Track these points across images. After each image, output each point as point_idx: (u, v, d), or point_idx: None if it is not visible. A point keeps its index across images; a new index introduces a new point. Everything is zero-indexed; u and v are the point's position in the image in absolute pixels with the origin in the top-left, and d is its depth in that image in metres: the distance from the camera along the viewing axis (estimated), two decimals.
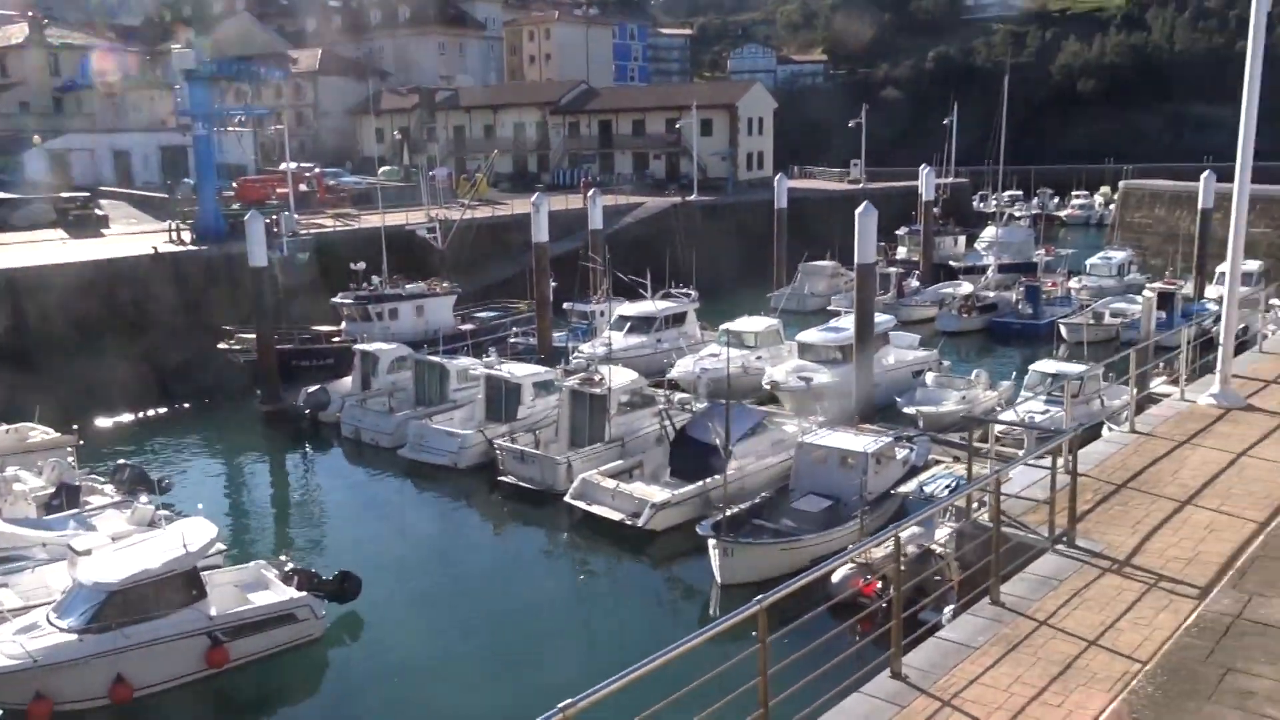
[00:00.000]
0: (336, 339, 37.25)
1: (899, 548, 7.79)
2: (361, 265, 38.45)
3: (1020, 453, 19.12)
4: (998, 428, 25.46)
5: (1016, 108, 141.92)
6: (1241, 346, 19.83)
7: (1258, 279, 44.37)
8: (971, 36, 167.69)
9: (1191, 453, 12.53)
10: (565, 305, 41.11)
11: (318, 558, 21.90)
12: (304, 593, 18.19)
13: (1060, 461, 9.74)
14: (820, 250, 51.41)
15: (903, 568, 8.35)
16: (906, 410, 29.01)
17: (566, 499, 24.11)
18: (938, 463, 23.70)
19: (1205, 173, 45.58)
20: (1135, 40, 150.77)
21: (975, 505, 10.84)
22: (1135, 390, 14.48)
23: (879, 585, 16.39)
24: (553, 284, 37.81)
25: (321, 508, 27.20)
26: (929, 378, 31.37)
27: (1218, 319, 18.46)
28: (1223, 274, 47.61)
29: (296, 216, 43.56)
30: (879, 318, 32.73)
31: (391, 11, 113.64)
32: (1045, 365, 29.34)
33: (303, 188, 54.49)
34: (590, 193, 45.73)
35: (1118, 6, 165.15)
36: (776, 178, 55.28)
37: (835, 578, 16.82)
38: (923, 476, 22.61)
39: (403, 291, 38.88)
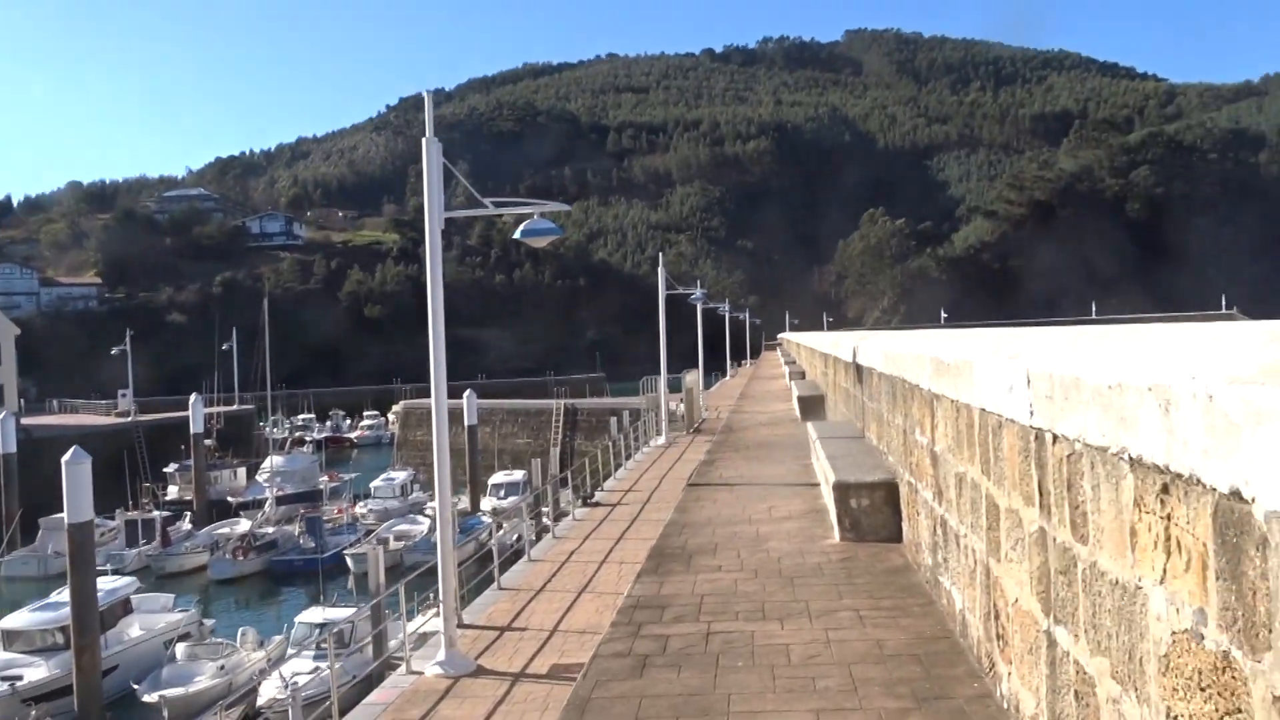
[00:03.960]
0: None
1: None
2: None
3: None
4: (261, 700, 21.68)
5: (309, 331, 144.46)
6: (518, 555, 18.92)
7: (523, 488, 47.03)
8: (259, 263, 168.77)
9: None
10: None
11: None
12: None
13: None
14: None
15: None
16: (147, 699, 23.57)
17: None
18: None
19: (467, 391, 47.92)
20: (410, 271, 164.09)
21: None
22: (407, 630, 12.93)
23: None
24: None
25: None
26: (180, 649, 26.20)
27: (494, 529, 17.85)
28: (497, 485, 50.69)
29: None
30: (114, 582, 27.11)
31: None
32: (311, 614, 26.23)
33: None
34: None
35: (393, 241, 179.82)
36: (1, 417, 46.34)
37: None
38: None
39: None
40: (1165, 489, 2.64)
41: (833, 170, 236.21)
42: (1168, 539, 2.66)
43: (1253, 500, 2.11)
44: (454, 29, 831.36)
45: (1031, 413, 3.87)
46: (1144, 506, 2.81)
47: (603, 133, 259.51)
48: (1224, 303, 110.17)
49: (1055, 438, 3.64)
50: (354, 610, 24.65)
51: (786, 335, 59.22)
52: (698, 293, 41.69)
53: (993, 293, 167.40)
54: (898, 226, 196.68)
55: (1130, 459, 2.85)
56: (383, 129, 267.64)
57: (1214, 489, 2.30)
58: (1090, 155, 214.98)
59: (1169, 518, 2.64)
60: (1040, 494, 3.94)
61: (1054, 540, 3.77)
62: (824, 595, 6.80)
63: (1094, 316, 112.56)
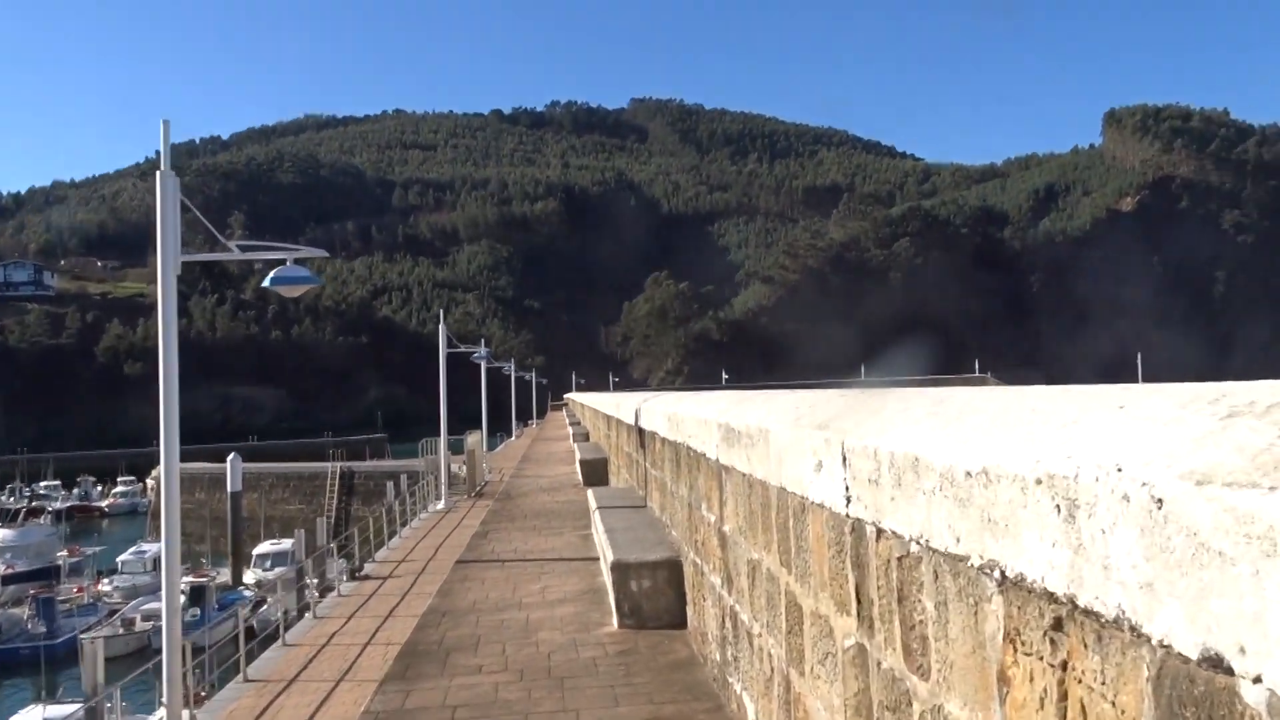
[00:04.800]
0: None
1: None
2: None
3: None
4: None
5: (59, 390, 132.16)
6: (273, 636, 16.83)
7: (291, 558, 43.78)
8: (4, 315, 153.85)
9: None
10: None
11: None
12: None
13: None
14: None
15: None
16: None
17: None
18: None
19: (231, 455, 44.45)
20: (179, 325, 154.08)
21: None
22: None
23: None
24: None
25: None
26: None
27: (256, 604, 15.88)
28: (262, 556, 46.93)
29: None
30: None
31: None
32: (30, 715, 22.87)
33: None
34: None
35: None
36: None
37: None
38: None
39: None
40: (1059, 625, 1.81)
41: (619, 233, 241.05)
42: (1063, 698, 1.83)
43: (1248, 676, 1.28)
44: (232, 75, 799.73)
45: (849, 499, 3.04)
46: (1021, 645, 1.98)
47: (388, 188, 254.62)
48: (977, 367, 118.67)
49: (881, 533, 2.81)
50: (74, 709, 21.61)
51: (572, 395, 58.63)
52: (482, 351, 40.43)
53: (770, 355, 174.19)
54: (681, 289, 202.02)
55: (1002, 576, 2.02)
56: (149, 174, 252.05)
57: (1164, 644, 1.47)
58: (857, 226, 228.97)
59: (1066, 668, 1.81)
60: (859, 601, 3.10)
61: (878, 664, 2.92)
62: (598, 701, 5.80)
63: (864, 378, 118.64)
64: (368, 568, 21.90)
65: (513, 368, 68.75)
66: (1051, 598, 1.80)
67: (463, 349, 39.31)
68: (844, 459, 3.05)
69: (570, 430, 35.53)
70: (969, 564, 2.16)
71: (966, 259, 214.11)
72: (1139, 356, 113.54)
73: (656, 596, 7.36)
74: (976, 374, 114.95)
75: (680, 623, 7.24)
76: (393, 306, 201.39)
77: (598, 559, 10.32)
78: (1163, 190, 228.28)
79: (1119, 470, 1.57)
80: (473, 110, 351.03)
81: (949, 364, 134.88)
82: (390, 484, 41.35)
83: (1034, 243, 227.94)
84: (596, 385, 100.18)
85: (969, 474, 2.12)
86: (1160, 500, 1.44)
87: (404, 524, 28.01)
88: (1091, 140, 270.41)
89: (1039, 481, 1.81)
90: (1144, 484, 1.49)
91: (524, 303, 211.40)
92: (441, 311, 38.68)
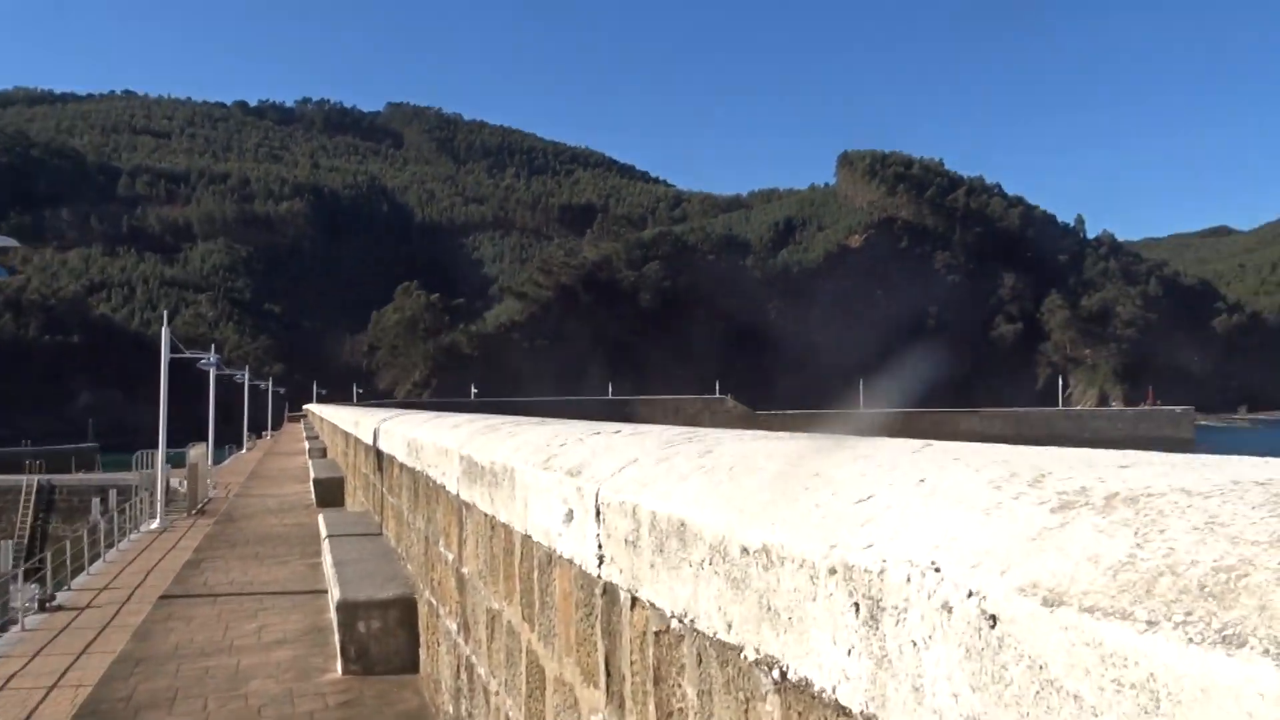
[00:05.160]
0: None
1: None
2: None
3: None
4: None
5: None
6: None
7: None
8: None
9: None
10: None
11: None
12: None
13: None
14: None
15: None
16: None
17: None
18: None
19: None
20: None
21: None
22: None
23: None
24: None
25: None
26: None
27: None
28: None
29: None
30: None
31: None
32: None
33: None
34: None
35: None
36: None
37: None
38: None
39: None
40: None
41: (370, 239, 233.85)
42: None
43: None
44: None
45: (602, 559, 2.68)
46: None
47: (113, 175, 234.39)
48: (718, 388, 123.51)
49: (637, 601, 2.46)
50: None
51: (312, 407, 55.81)
52: (211, 358, 37.65)
53: (522, 370, 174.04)
54: (433, 300, 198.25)
55: (782, 676, 1.70)
56: None
57: None
58: (610, 247, 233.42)
59: None
60: (609, 674, 2.74)
61: None
62: None
63: (610, 397, 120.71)
64: (62, 596, 19.60)
65: (247, 375, 64.81)
66: (845, 712, 1.50)
67: (189, 354, 36.45)
68: (598, 512, 2.69)
69: (307, 445, 33.61)
70: (742, 655, 1.85)
71: (711, 284, 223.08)
72: (860, 383, 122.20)
73: (386, 638, 6.76)
74: (717, 395, 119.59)
75: (412, 666, 6.68)
76: (112, 304, 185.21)
77: (326, 592, 9.52)
78: (887, 229, 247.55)
79: (936, 571, 1.28)
80: (214, 99, 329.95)
81: (692, 384, 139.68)
82: (97, 500, 37.53)
83: (773, 272, 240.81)
84: (340, 397, 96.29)
85: (746, 550, 1.80)
86: (994, 617, 1.16)
87: (110, 546, 25.39)
88: (827, 179, 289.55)
89: (833, 572, 1.51)
90: (971, 593, 1.20)
91: (263, 306, 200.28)
92: (166, 312, 35.62)
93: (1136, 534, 1.12)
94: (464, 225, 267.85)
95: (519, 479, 3.65)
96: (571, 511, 2.95)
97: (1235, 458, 1.38)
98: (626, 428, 3.57)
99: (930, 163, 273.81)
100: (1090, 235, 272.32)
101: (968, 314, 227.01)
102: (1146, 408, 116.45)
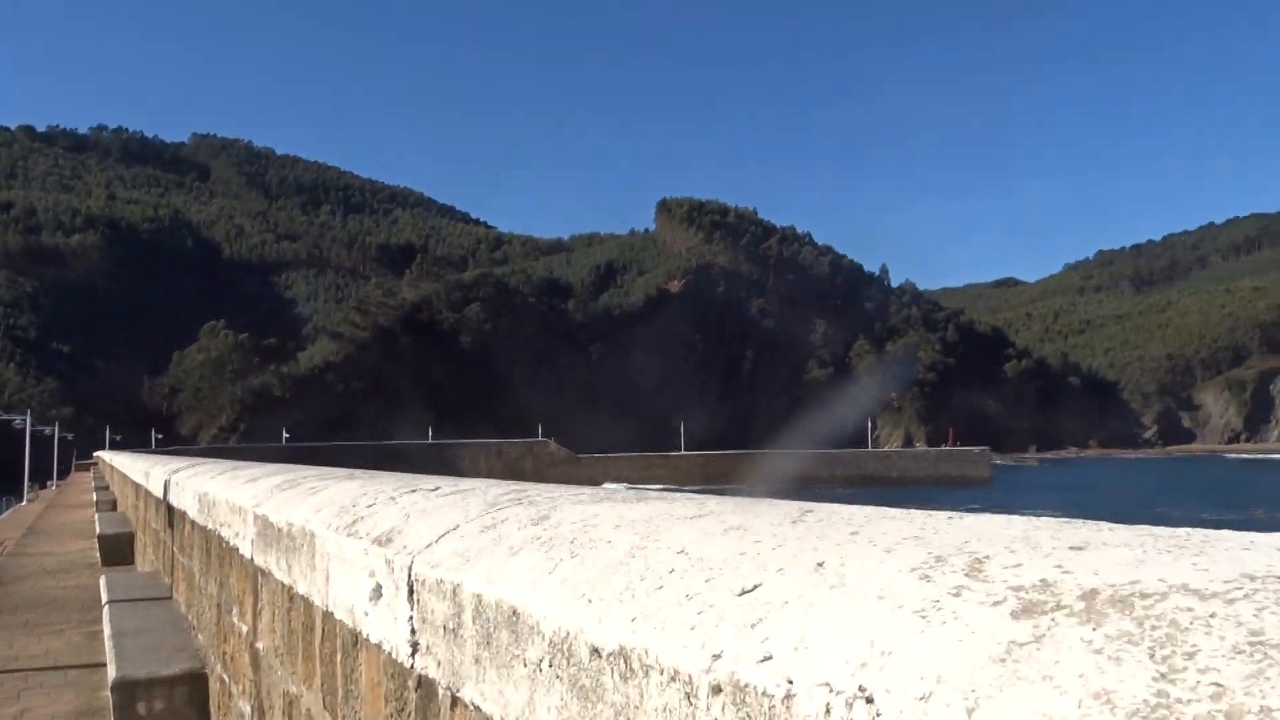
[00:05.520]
0: None
1: None
2: None
3: None
4: None
5: None
6: None
7: None
8: None
9: None
10: None
11: None
12: None
13: None
14: None
15: None
16: None
17: None
18: None
19: None
20: None
21: None
22: None
23: None
24: None
25: None
26: None
27: None
28: None
29: None
30: None
31: None
32: None
33: None
34: None
35: None
36: None
37: None
38: None
39: None
40: None
41: (172, 276, 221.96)
42: None
43: None
44: None
45: (416, 646, 2.25)
46: None
47: None
48: (540, 431, 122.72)
49: (458, 702, 2.05)
50: None
51: (103, 454, 51.80)
52: None
53: (337, 414, 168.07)
54: (241, 340, 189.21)
55: None
56: None
57: None
58: (430, 288, 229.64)
59: None
60: None
61: None
62: None
63: (430, 441, 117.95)
64: None
65: (29, 420, 60.02)
66: None
67: None
68: (411, 590, 2.27)
69: (96, 497, 30.95)
70: None
71: (533, 327, 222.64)
72: (681, 426, 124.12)
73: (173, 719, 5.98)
74: (539, 439, 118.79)
75: None
76: None
77: (105, 666, 8.49)
78: (704, 275, 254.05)
79: (868, 702, 0.96)
80: None
81: (515, 427, 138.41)
82: None
83: (594, 315, 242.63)
84: (138, 442, 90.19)
85: (598, 652, 1.44)
86: None
87: None
88: (646, 225, 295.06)
89: (718, 690, 1.16)
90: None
91: (50, 346, 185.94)
92: None
93: (1155, 657, 0.78)
94: (276, 263, 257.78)
95: (320, 546, 3.16)
96: (380, 587, 2.51)
97: (1214, 535, 1.12)
98: (446, 484, 3.15)
99: (745, 211, 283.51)
100: (894, 284, 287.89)
101: (782, 358, 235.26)
102: (947, 448, 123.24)
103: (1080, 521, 1.30)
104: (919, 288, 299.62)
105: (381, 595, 2.49)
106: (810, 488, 75.93)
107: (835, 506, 1.73)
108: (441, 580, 2.08)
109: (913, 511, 1.53)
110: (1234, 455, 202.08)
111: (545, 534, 1.93)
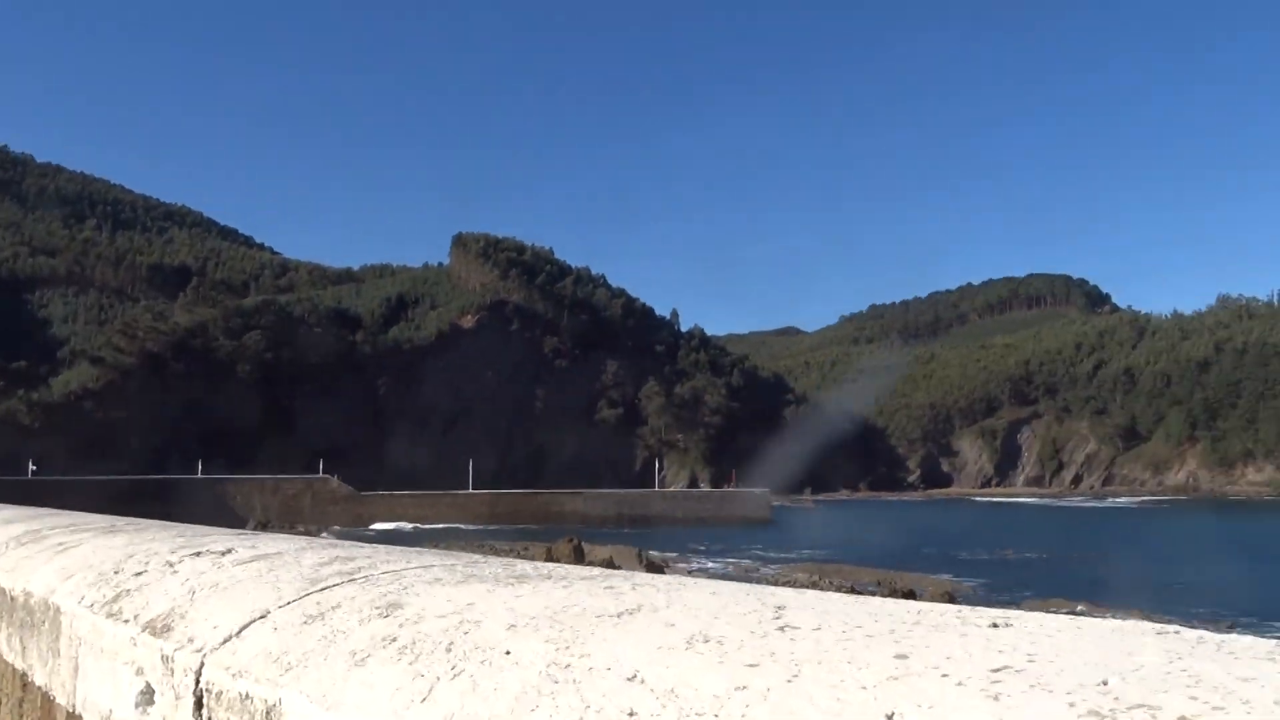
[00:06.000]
0: None
1: None
2: None
3: None
4: None
5: None
6: None
7: None
8: None
9: None
10: None
11: None
12: None
13: None
14: None
15: None
16: None
17: None
18: None
19: None
20: None
21: None
22: None
23: None
24: None
25: None
26: None
27: None
28: None
29: None
30: None
31: None
32: None
33: None
34: None
35: None
36: None
37: None
38: None
39: None
40: None
41: None
42: None
43: None
44: None
45: None
46: None
47: None
48: (321, 468, 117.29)
49: None
50: None
51: None
52: None
53: (96, 444, 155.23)
54: None
55: None
56: None
57: None
58: (206, 313, 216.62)
59: None
60: None
61: None
62: None
63: (200, 475, 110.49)
64: None
65: None
66: None
67: None
68: (200, 703, 1.67)
69: None
70: None
71: (319, 358, 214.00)
72: (470, 464, 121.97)
73: None
74: (320, 475, 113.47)
75: None
76: None
77: None
78: (499, 312, 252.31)
79: None
80: None
81: (297, 462, 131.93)
82: None
83: (384, 348, 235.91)
84: None
85: None
86: None
87: None
88: (441, 259, 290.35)
89: None
90: None
91: None
92: None
93: None
94: (29, 279, 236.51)
95: (68, 626, 2.45)
96: (151, 691, 1.88)
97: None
98: (240, 544, 2.52)
99: (541, 250, 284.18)
100: (684, 328, 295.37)
101: (573, 397, 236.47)
102: (730, 489, 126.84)
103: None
104: (707, 333, 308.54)
105: (154, 703, 1.87)
106: (596, 528, 75.88)
107: (808, 598, 1.30)
108: (248, 695, 1.51)
109: (964, 612, 1.11)
110: (983, 498, 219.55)
111: (403, 634, 1.40)
